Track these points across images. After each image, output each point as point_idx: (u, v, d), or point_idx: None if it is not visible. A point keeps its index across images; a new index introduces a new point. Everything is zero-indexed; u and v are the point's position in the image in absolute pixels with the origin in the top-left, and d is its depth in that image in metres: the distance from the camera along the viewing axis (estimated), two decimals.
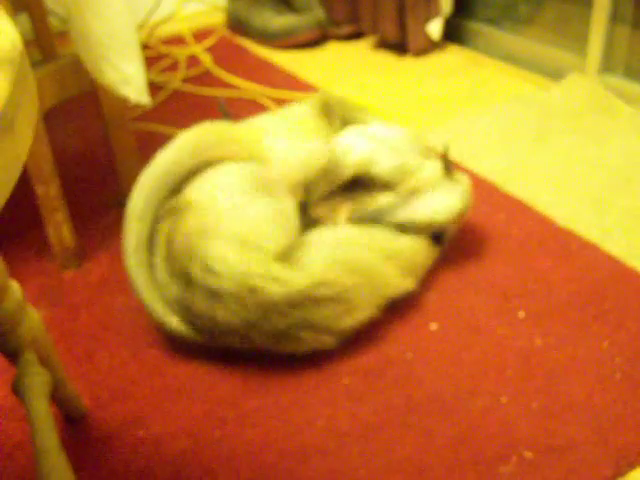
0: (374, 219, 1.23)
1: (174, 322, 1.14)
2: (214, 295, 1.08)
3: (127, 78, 1.23)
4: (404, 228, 1.23)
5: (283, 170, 1.23)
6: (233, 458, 0.99)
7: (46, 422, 0.82)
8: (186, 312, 1.12)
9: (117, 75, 1.23)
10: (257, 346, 1.11)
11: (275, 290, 1.06)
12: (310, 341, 1.10)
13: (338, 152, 1.27)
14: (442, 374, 1.10)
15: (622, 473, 0.94)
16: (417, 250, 1.23)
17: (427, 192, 1.25)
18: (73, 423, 1.06)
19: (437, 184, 1.26)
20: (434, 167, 1.29)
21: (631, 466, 0.95)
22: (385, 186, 1.26)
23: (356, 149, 1.27)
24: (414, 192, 1.25)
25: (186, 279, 1.10)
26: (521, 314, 1.20)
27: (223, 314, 1.08)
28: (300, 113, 1.41)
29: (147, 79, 1.29)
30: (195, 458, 1.00)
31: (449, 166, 1.28)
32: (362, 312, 1.13)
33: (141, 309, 1.25)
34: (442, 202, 1.24)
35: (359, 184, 1.27)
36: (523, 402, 1.04)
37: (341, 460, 0.98)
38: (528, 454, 0.97)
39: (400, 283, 1.19)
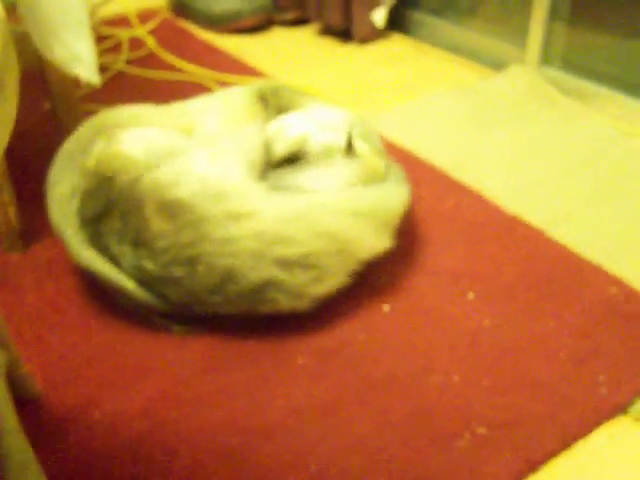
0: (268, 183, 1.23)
1: (132, 286, 1.14)
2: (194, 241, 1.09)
3: (78, 56, 1.21)
4: None
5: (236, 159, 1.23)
6: (193, 438, 0.99)
7: (4, 402, 0.80)
8: (157, 281, 1.12)
9: (67, 53, 1.21)
10: (233, 308, 1.13)
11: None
12: (284, 303, 1.12)
13: (272, 132, 1.28)
14: (396, 354, 1.12)
15: (568, 446, 0.98)
16: (388, 200, 1.22)
17: (321, 166, 1.26)
18: (26, 405, 1.04)
19: (334, 160, 1.27)
20: (363, 147, 1.31)
21: (576, 439, 0.99)
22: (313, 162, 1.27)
23: (290, 129, 1.29)
24: (310, 164, 1.26)
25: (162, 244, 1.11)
26: (470, 295, 1.23)
27: (202, 269, 1.09)
28: (234, 98, 1.42)
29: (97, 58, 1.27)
30: (153, 439, 1.00)
31: (350, 145, 1.29)
32: (333, 279, 1.15)
33: (91, 291, 1.24)
34: (329, 177, 1.24)
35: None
36: (474, 380, 1.07)
37: (302, 438, 0.99)
38: (481, 429, 1.00)
39: (376, 243, 1.18)
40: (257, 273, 1.09)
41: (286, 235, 1.10)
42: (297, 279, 1.11)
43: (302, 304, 1.14)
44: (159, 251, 1.10)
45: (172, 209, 1.10)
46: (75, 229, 1.17)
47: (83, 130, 1.27)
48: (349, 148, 1.26)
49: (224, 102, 1.40)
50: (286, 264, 1.10)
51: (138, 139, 1.21)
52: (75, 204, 1.18)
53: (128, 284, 1.14)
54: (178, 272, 1.10)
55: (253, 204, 1.11)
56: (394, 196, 1.24)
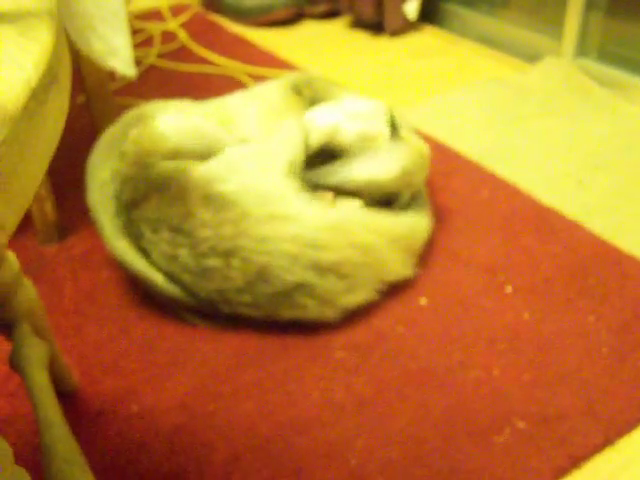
0: (314, 182, 1.22)
1: (160, 280, 1.14)
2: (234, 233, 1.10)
3: (114, 49, 1.21)
4: (348, 190, 1.22)
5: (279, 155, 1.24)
6: (229, 431, 0.99)
7: (48, 394, 0.81)
8: (188, 273, 1.12)
9: (104, 46, 1.21)
10: (259, 311, 1.12)
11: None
12: (312, 310, 1.12)
13: (305, 124, 1.28)
14: (434, 347, 1.11)
15: (611, 442, 0.97)
16: (416, 230, 1.24)
17: (368, 154, 1.25)
18: (64, 398, 1.05)
19: (380, 146, 1.26)
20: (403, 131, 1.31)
21: (619, 435, 0.97)
22: (351, 154, 1.27)
23: (320, 119, 1.28)
24: (355, 155, 1.25)
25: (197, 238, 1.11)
26: (508, 289, 1.21)
27: (237, 264, 1.09)
28: (270, 91, 1.42)
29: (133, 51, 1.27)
30: (191, 431, 1.00)
31: (395, 129, 1.28)
32: (363, 293, 1.15)
33: (127, 283, 1.24)
34: (381, 162, 1.24)
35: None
36: (514, 374, 1.06)
37: (338, 431, 0.98)
38: (521, 424, 0.98)
39: (401, 270, 1.20)
40: (291, 275, 1.09)
41: (321, 241, 1.10)
42: (329, 285, 1.11)
43: (330, 313, 1.14)
44: (199, 240, 1.10)
45: (216, 202, 1.11)
46: (111, 216, 1.18)
47: (125, 118, 1.28)
48: (393, 132, 1.25)
49: (260, 96, 1.40)
50: (320, 269, 1.10)
51: (175, 121, 1.21)
52: (113, 188, 1.19)
53: (157, 278, 1.14)
54: (213, 263, 1.10)
55: (293, 209, 1.12)
56: (421, 227, 1.26)
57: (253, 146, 1.23)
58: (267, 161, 1.19)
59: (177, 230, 1.12)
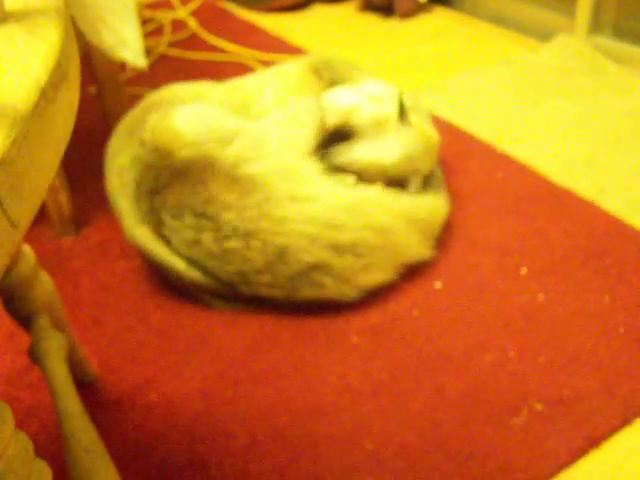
0: (323, 161, 1.23)
1: (182, 266, 1.15)
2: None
3: (124, 40, 1.21)
4: (352, 171, 1.22)
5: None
6: (248, 418, 1.00)
7: (67, 385, 0.82)
8: (209, 256, 1.13)
9: (114, 37, 1.21)
10: (278, 291, 1.13)
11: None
12: (331, 289, 1.13)
13: (322, 104, 1.28)
14: (449, 331, 1.11)
15: (630, 421, 0.97)
16: (434, 212, 1.24)
17: (374, 137, 1.25)
18: (84, 388, 1.06)
19: (387, 130, 1.26)
20: (414, 117, 1.31)
21: (637, 414, 0.97)
22: (363, 136, 1.27)
23: (337, 101, 1.29)
24: (366, 137, 1.25)
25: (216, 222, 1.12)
26: (523, 270, 1.21)
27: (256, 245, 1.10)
28: (288, 72, 1.42)
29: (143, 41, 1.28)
30: (210, 419, 1.01)
31: (403, 113, 1.28)
32: (381, 272, 1.16)
33: (144, 272, 1.25)
34: (385, 146, 1.24)
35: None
36: (530, 356, 1.06)
37: (355, 417, 0.99)
38: (538, 406, 0.99)
39: (419, 251, 1.21)
40: (309, 255, 1.10)
41: (338, 221, 1.11)
42: (347, 264, 1.12)
43: (348, 291, 1.14)
44: (222, 223, 1.11)
45: (243, 185, 1.12)
46: (131, 202, 1.19)
47: (143, 103, 1.29)
48: (401, 117, 1.25)
49: (279, 76, 1.40)
50: (338, 249, 1.11)
51: (190, 115, 1.21)
52: (133, 173, 1.19)
53: (179, 264, 1.15)
54: (233, 245, 1.11)
55: (313, 189, 1.13)
56: (439, 209, 1.27)
57: (274, 121, 1.23)
58: (289, 139, 1.19)
59: (201, 215, 1.12)
